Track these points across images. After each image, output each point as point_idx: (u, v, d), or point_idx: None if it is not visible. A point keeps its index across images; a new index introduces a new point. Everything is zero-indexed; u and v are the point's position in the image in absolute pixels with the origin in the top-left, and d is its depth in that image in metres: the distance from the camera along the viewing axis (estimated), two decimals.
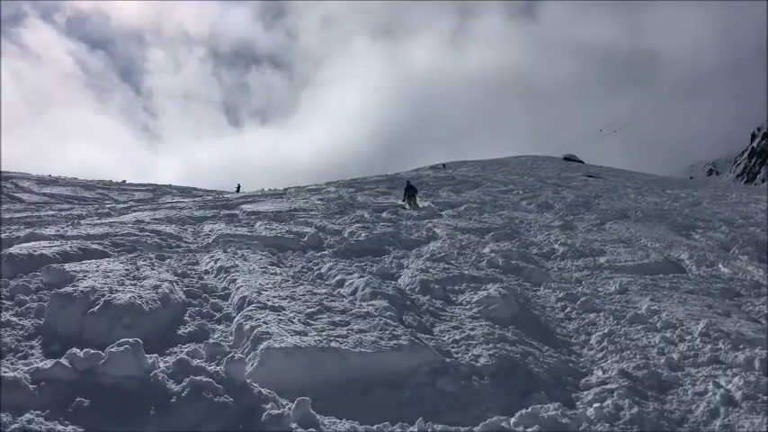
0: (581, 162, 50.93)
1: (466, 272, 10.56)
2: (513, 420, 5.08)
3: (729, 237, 14.94)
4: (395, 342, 6.35)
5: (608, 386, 6.18)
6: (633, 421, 5.39)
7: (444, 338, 7.22)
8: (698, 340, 7.39)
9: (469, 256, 12.35)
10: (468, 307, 8.66)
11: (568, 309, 9.15)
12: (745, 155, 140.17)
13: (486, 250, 13.14)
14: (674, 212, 19.74)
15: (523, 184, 28.91)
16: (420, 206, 22.48)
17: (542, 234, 15.88)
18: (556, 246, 13.91)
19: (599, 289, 10.29)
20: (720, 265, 11.75)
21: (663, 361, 6.93)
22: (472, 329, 7.51)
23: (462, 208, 20.50)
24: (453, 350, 6.84)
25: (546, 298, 9.84)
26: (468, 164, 44.81)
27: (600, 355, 7.31)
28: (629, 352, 7.23)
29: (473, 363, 6.49)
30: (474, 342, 7.07)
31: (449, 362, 6.40)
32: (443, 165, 44.46)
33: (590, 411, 5.56)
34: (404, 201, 24.26)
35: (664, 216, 18.88)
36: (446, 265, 11.04)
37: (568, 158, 51.52)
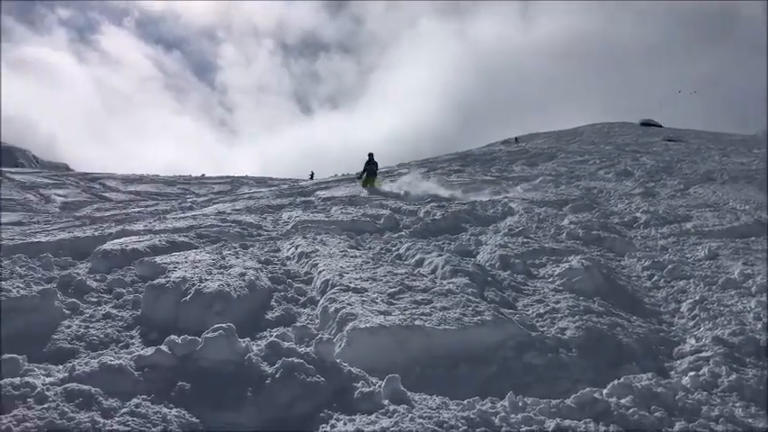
0: (660, 126, 49.04)
1: (546, 245, 10.39)
2: (605, 391, 5.00)
3: None
4: (478, 318, 6.35)
5: (703, 354, 6.00)
6: (732, 388, 5.23)
7: (528, 312, 7.16)
8: None
9: (548, 229, 12.15)
10: (550, 280, 8.55)
11: (656, 277, 8.90)
12: None
13: (565, 222, 12.90)
14: (762, 172, 18.79)
15: (600, 152, 28.11)
16: (381, 189, 20.86)
17: (623, 203, 15.45)
18: (638, 214, 13.52)
19: (687, 255, 9.95)
20: None
21: (759, 326, 6.66)
22: (556, 302, 7.42)
23: (537, 181, 20.15)
24: (538, 324, 6.78)
25: (631, 267, 9.59)
26: (541, 136, 43.94)
27: (692, 323, 7.08)
28: (722, 318, 6.97)
29: (559, 336, 6.42)
30: (559, 315, 6.98)
31: (534, 335, 6.35)
32: (516, 139, 43.77)
33: (685, 380, 5.42)
34: (360, 178, 22.98)
35: (752, 177, 18.04)
36: (525, 240, 10.90)
37: (646, 123, 49.64)
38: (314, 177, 37.49)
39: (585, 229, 11.76)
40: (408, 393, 4.60)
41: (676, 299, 7.95)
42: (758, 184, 16.81)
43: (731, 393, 5.18)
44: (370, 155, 23.08)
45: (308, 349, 4.93)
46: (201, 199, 21.05)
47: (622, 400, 4.84)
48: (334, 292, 7.07)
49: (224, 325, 4.80)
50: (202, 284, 6.90)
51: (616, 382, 5.15)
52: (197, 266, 7.93)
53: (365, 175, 22.68)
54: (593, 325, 6.61)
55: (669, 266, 9.08)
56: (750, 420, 4.76)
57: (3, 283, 6.76)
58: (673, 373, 5.79)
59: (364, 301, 6.74)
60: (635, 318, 7.24)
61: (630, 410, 4.67)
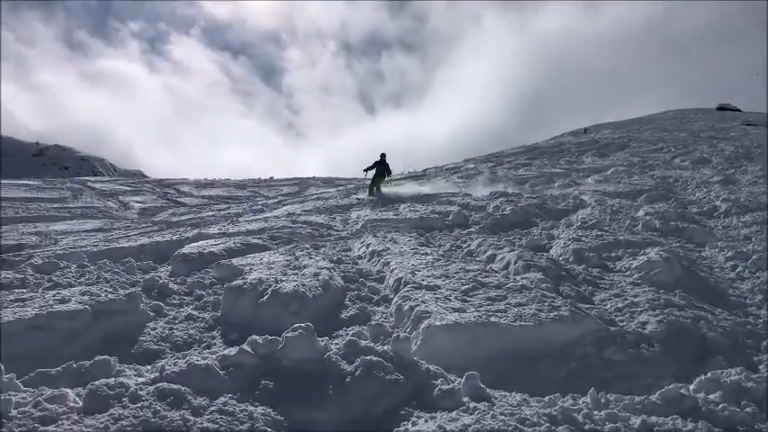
0: (737, 110, 47.00)
1: (621, 237, 10.15)
2: (692, 387, 4.85)
3: None
4: (555, 313, 6.25)
5: None
6: None
7: (606, 307, 7.01)
8: None
9: (623, 221, 11.86)
10: (627, 273, 8.34)
11: (739, 268, 8.57)
12: None
13: (641, 213, 12.55)
14: None
15: (674, 140, 27.20)
16: (383, 191, 19.73)
17: (701, 191, 14.93)
18: (718, 202, 13.04)
19: None
20: None
21: None
22: (635, 296, 7.24)
23: (609, 172, 19.67)
24: (617, 318, 6.63)
25: (713, 258, 9.26)
26: (610, 126, 42.81)
27: None
28: None
29: (640, 330, 6.26)
30: (639, 309, 6.81)
31: (614, 330, 6.21)
32: (585, 129, 42.78)
33: None
34: (365, 175, 20.82)
35: None
36: (599, 232, 10.68)
37: (723, 108, 47.64)
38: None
39: (662, 219, 11.42)
40: (488, 390, 4.58)
41: (762, 290, 7.64)
42: None
43: None
44: (383, 155, 20.69)
45: (386, 347, 4.97)
46: (271, 201, 21.46)
47: (711, 396, 4.68)
48: (408, 290, 7.10)
49: (303, 324, 4.89)
50: (278, 285, 7.05)
51: (703, 377, 4.99)
52: (272, 268, 8.11)
53: (374, 178, 20.41)
54: (675, 319, 6.41)
55: (753, 257, 8.72)
56: None
57: (92, 288, 7.09)
58: (762, 367, 5.56)
59: (438, 298, 6.74)
60: (719, 311, 6.98)
61: (720, 406, 4.51)
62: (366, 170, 20.42)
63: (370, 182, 20.58)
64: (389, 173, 20.61)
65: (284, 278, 7.48)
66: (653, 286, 7.61)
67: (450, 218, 13.40)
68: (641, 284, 7.77)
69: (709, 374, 5.02)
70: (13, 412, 3.74)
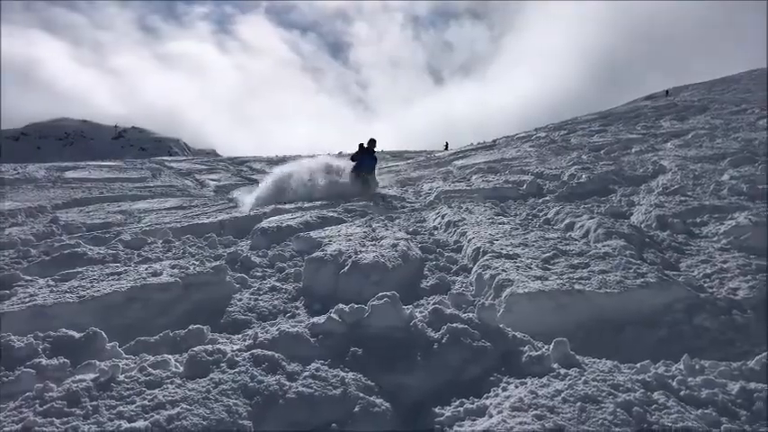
0: None
1: (706, 202, 9.77)
2: None
3: None
4: (641, 280, 6.10)
5: None
6: None
7: (694, 273, 6.79)
8: None
9: (707, 186, 11.40)
10: (714, 239, 8.04)
11: None
12: None
13: (725, 177, 12.03)
14: None
15: (759, 101, 25.86)
16: (374, 189, 15.70)
17: None
18: None
19: None
20: None
21: None
22: (724, 262, 6.98)
23: (689, 136, 18.91)
24: (706, 285, 6.41)
25: None
26: (690, 87, 41.12)
27: None
28: None
29: (731, 296, 6.03)
30: (729, 275, 6.56)
31: (703, 297, 6.01)
32: (666, 92, 41.20)
33: None
34: (354, 178, 15.93)
35: None
36: (682, 198, 10.31)
37: None
38: (448, 148, 37.42)
39: (749, 183, 10.92)
40: (577, 357, 4.53)
41: None
42: None
43: None
44: (372, 142, 16.36)
45: (471, 315, 4.97)
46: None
47: None
48: (487, 259, 7.07)
49: (389, 293, 4.95)
50: (358, 256, 7.14)
51: None
52: (350, 239, 8.21)
53: (361, 175, 16.05)
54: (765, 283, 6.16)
55: None
56: None
57: (180, 261, 7.36)
58: None
59: (519, 266, 6.68)
60: None
61: None
62: (354, 168, 16.18)
63: (351, 176, 16.09)
64: (375, 162, 16.52)
65: (363, 249, 7.56)
66: (742, 251, 7.32)
67: (525, 187, 13.22)
68: (730, 250, 7.48)
69: None
70: (121, 377, 3.94)
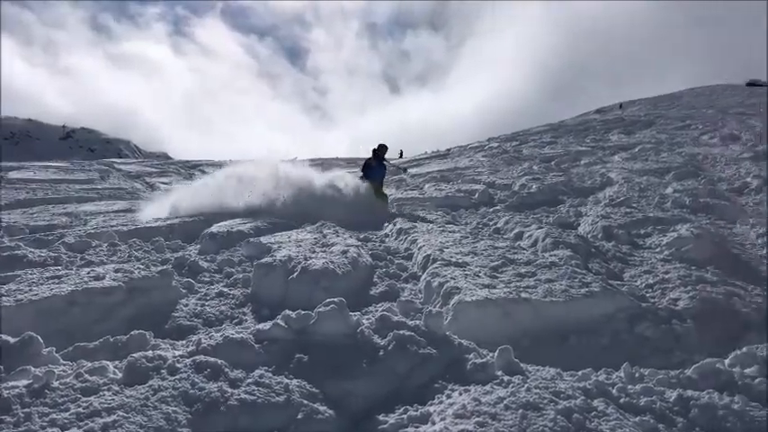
0: None
1: (650, 214, 10.04)
2: (727, 362, 4.80)
3: None
4: (586, 289, 6.23)
5: None
6: None
7: (637, 283, 6.96)
8: None
9: (651, 198, 11.71)
10: (657, 250, 8.26)
11: None
12: None
13: (669, 190, 12.40)
14: None
15: (702, 117, 26.72)
16: (386, 203, 13.40)
17: (731, 168, 14.68)
18: (748, 179, 12.82)
19: None
20: None
21: None
22: (666, 272, 7.17)
23: (636, 149, 19.41)
24: (648, 295, 6.59)
25: (744, 235, 9.12)
26: (636, 103, 42.21)
27: None
28: None
29: (672, 306, 6.21)
30: (670, 285, 6.75)
31: (645, 306, 6.17)
32: (620, 105, 42.19)
33: None
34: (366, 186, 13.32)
35: None
36: (627, 209, 10.58)
37: (753, 84, 46.61)
38: (403, 155, 37.59)
39: (692, 196, 11.27)
40: (521, 364, 4.58)
41: None
42: None
43: None
44: (382, 148, 14.09)
45: (418, 322, 4.99)
46: None
47: (746, 371, 4.63)
48: (437, 267, 7.11)
49: (336, 299, 4.93)
50: (308, 262, 7.10)
51: (738, 351, 4.93)
52: (300, 245, 8.16)
53: (367, 181, 13.61)
54: (707, 295, 6.35)
55: None
56: None
57: (124, 265, 7.19)
58: None
59: (467, 275, 6.74)
60: (752, 287, 6.88)
61: (756, 380, 4.46)
62: (363, 175, 13.89)
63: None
64: (385, 171, 14.55)
65: (313, 255, 7.52)
66: (684, 263, 7.53)
67: (476, 196, 13.36)
68: (672, 261, 7.69)
69: (744, 349, 4.95)
70: (56, 383, 3.82)
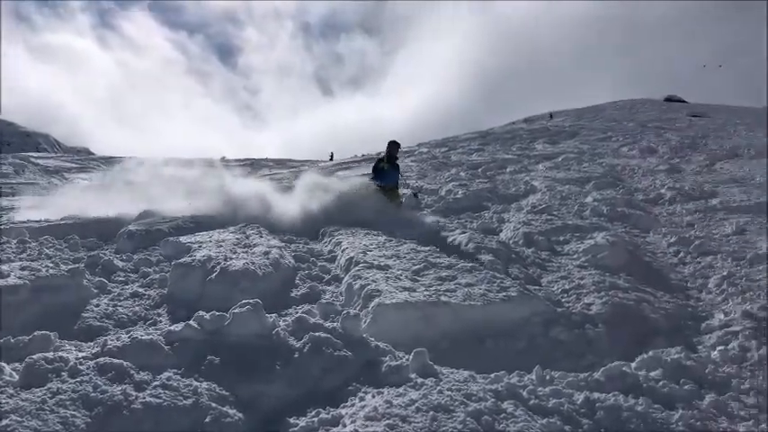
0: (684, 102, 48.21)
1: (570, 222, 10.31)
2: (633, 365, 4.97)
3: None
4: (504, 294, 6.34)
5: (732, 328, 5.92)
6: (762, 362, 5.15)
7: (553, 288, 7.12)
8: None
9: (572, 206, 12.05)
10: (575, 257, 8.48)
11: (682, 253, 8.78)
12: None
13: (589, 199, 12.78)
14: None
15: (623, 129, 27.76)
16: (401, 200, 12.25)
17: (647, 179, 15.27)
18: (663, 190, 13.34)
19: (714, 231, 9.79)
20: None
21: None
22: (581, 278, 7.36)
23: (560, 159, 19.96)
24: (564, 300, 6.75)
25: (656, 244, 9.48)
26: (562, 114, 43.47)
27: (720, 298, 6.99)
28: (751, 293, 6.87)
29: (585, 311, 6.38)
30: (585, 291, 6.93)
31: (560, 311, 6.33)
32: (551, 115, 43.26)
33: (714, 354, 5.37)
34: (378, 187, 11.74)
35: None
36: (548, 217, 10.83)
37: (670, 99, 48.77)
38: (333, 158, 37.52)
39: (610, 206, 11.65)
40: (436, 367, 4.60)
41: (703, 274, 7.84)
42: None
43: (761, 367, 5.11)
44: (395, 145, 12.11)
45: (335, 324, 4.95)
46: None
47: (651, 374, 4.81)
48: (359, 270, 7.09)
49: (251, 300, 4.84)
50: (228, 263, 6.95)
51: (645, 355, 5.12)
52: (221, 245, 7.98)
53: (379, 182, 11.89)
54: (619, 301, 6.56)
55: (696, 242, 8.96)
56: None
57: (32, 263, 6.86)
58: (701, 347, 5.72)
59: (389, 277, 6.75)
60: (662, 293, 7.16)
61: (660, 383, 4.64)
62: (374, 175, 12.00)
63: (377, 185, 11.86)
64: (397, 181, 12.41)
65: (234, 256, 7.37)
66: (599, 269, 7.76)
67: (403, 200, 13.41)
68: (587, 267, 7.91)
69: (650, 353, 5.15)
70: None
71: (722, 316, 6.40)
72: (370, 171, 12.23)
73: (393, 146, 12.02)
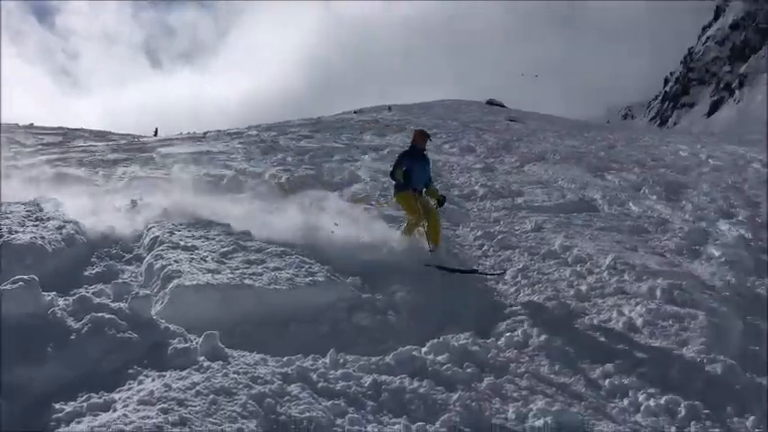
0: (503, 106, 51.34)
1: (386, 213, 10.57)
2: (424, 350, 5.18)
3: (641, 177, 15.41)
4: (310, 279, 6.37)
5: (519, 317, 6.36)
6: (541, 348, 5.59)
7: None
8: (605, 273, 7.65)
9: (390, 198, 12.37)
10: None
11: (485, 246, 9.30)
12: (659, 99, 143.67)
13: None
14: (590, 155, 20.18)
15: (446, 127, 28.94)
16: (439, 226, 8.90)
17: (464, 176, 16.03)
18: (476, 187, 14.08)
19: (515, 227, 10.48)
20: (631, 204, 12.17)
21: (572, 293, 7.17)
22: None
23: (385, 151, 20.42)
24: (368, 286, 6.89)
25: (464, 237, 9.98)
26: (394, 108, 44.55)
27: (513, 288, 7.48)
28: (540, 285, 7.44)
29: (389, 298, 6.57)
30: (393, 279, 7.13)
31: (365, 297, 6.47)
32: (389, 107, 43.93)
33: (501, 341, 5.73)
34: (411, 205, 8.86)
35: (580, 158, 19.33)
36: (367, 206, 11.03)
37: (491, 103, 51.67)
38: (158, 134, 35.69)
39: None
40: (227, 350, 4.48)
41: (502, 266, 8.37)
42: (585, 165, 18.04)
43: (540, 352, 5.54)
44: (423, 134, 9.45)
45: (122, 305, 4.65)
46: (28, 150, 19.30)
47: (438, 358, 5.04)
48: (162, 249, 6.78)
49: (25, 277, 4.40)
50: (12, 236, 6.32)
51: (435, 340, 5.35)
52: (8, 217, 7.24)
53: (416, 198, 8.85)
54: (423, 288, 6.82)
55: (498, 237, 9.54)
56: (553, 377, 5.12)
57: None
58: (492, 333, 6.08)
59: (193, 258, 6.52)
60: (464, 283, 7.54)
61: (444, 367, 4.87)
62: (395, 174, 8.83)
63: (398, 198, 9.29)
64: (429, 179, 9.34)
65: (21, 229, 6.72)
66: None
67: (225, 181, 13.06)
68: None
69: (440, 338, 5.40)
70: None
71: (513, 305, 6.87)
72: (392, 176, 9.14)
73: (421, 136, 9.38)
